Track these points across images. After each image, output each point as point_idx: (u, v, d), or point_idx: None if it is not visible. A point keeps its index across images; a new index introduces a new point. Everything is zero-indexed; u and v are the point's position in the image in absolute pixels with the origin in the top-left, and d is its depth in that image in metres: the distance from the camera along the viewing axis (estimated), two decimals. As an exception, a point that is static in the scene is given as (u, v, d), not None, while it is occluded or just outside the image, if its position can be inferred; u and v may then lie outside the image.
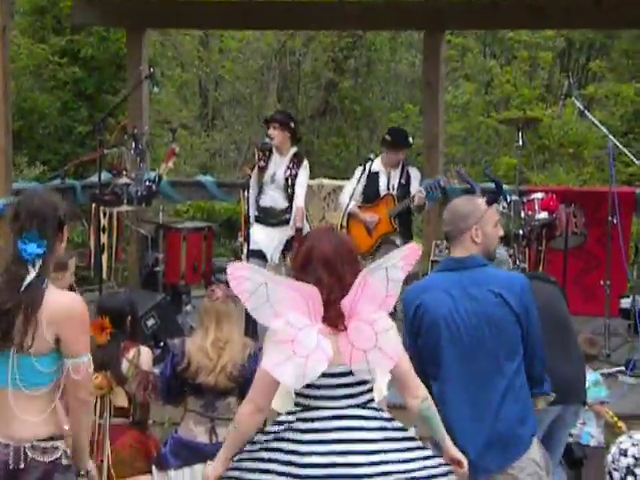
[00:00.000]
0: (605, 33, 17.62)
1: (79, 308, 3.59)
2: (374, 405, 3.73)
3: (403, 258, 3.68)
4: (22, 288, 3.46)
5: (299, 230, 7.80)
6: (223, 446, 3.82)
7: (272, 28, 14.66)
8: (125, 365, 5.11)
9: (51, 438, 3.61)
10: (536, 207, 7.64)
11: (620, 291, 8.26)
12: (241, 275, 3.60)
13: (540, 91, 17.40)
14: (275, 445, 3.66)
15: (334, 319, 3.60)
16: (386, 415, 3.74)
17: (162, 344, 6.91)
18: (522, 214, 7.65)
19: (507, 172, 14.96)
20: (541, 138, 16.00)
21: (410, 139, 8.21)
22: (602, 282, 7.65)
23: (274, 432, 3.71)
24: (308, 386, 3.62)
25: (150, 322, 7.39)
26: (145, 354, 5.21)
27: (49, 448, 3.60)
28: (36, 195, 3.58)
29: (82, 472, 3.79)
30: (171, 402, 5.18)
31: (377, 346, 3.54)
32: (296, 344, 3.51)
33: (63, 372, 3.60)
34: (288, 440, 3.64)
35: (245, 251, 7.57)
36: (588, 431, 6.01)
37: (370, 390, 3.72)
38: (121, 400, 5.07)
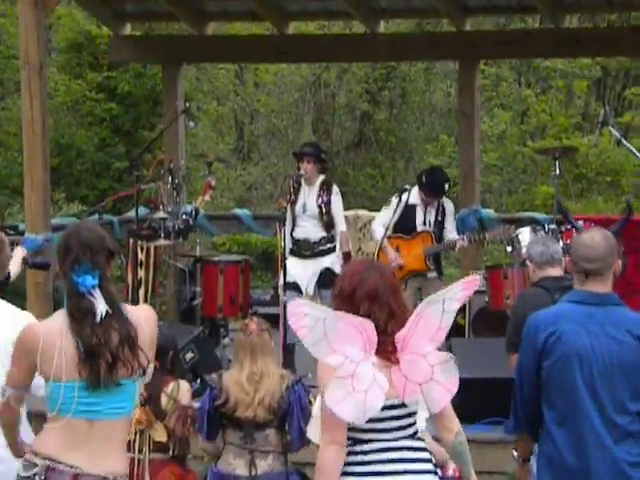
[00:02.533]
0: (641, 60, 17.55)
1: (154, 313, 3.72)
2: (420, 436, 3.73)
3: (463, 289, 3.68)
4: (97, 320, 3.46)
5: (347, 254, 7.87)
6: None
7: (306, 61, 14.75)
8: (164, 400, 5.11)
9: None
10: (574, 236, 7.57)
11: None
12: (301, 311, 3.62)
13: (576, 119, 17.33)
14: None
15: (387, 352, 3.60)
16: (429, 447, 3.74)
17: (200, 378, 6.92)
18: (561, 243, 7.59)
19: (544, 201, 14.88)
20: (578, 167, 15.91)
21: (447, 185, 8.05)
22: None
23: None
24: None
25: (188, 356, 7.39)
26: (184, 388, 5.21)
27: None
28: (83, 227, 3.61)
29: None
30: (210, 436, 5.16)
31: (434, 379, 3.54)
32: (355, 379, 3.52)
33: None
34: (344, 474, 3.62)
35: (281, 283, 7.58)
36: None
37: (416, 422, 3.72)
38: (160, 435, 5.08)
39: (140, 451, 4.97)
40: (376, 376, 3.53)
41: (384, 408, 3.60)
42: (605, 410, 4.00)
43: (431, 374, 3.54)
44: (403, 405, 3.61)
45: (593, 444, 3.98)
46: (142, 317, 3.59)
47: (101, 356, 3.45)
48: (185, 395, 5.19)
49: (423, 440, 3.74)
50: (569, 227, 7.37)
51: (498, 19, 15.32)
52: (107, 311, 3.47)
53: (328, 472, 3.60)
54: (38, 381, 3.63)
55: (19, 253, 6.23)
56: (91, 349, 3.44)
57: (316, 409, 4.06)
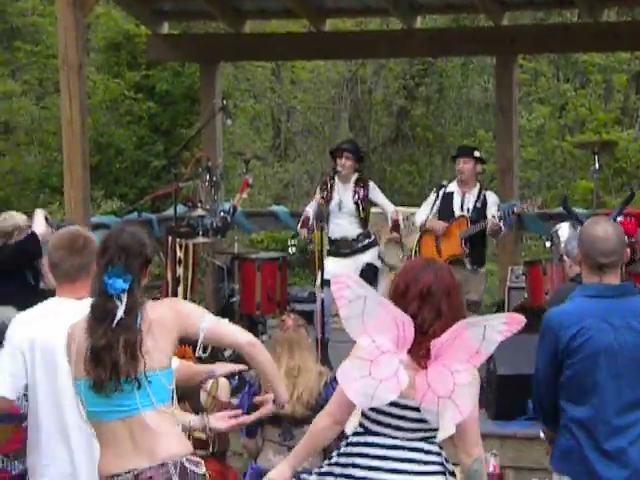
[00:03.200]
0: (681, 53, 17.34)
1: (180, 300, 3.74)
2: (436, 441, 3.69)
3: (506, 324, 3.59)
4: (114, 324, 3.48)
5: (396, 223, 8.01)
6: (292, 452, 3.83)
7: (342, 58, 14.74)
8: (203, 396, 5.14)
9: (192, 452, 3.62)
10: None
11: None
12: (344, 282, 3.61)
13: (616, 114, 17.17)
14: (334, 460, 3.70)
15: (420, 355, 3.57)
16: (443, 452, 3.71)
17: (239, 375, 6.94)
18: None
19: (584, 196, 14.76)
20: (618, 161, 15.77)
21: (476, 152, 8.15)
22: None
23: (338, 449, 3.74)
24: (376, 410, 3.62)
25: (227, 353, 7.43)
26: (223, 385, 5.24)
27: (196, 461, 3.60)
28: (125, 231, 3.61)
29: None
30: (250, 433, 5.19)
31: (452, 398, 3.51)
32: (375, 366, 3.51)
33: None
34: (344, 461, 3.66)
35: (319, 281, 7.60)
36: None
37: (434, 428, 3.66)
38: (199, 432, 5.09)
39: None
40: (399, 372, 3.52)
41: (403, 407, 3.60)
42: (626, 407, 3.98)
43: (451, 392, 3.50)
44: (417, 409, 3.58)
45: (610, 443, 3.97)
46: (163, 311, 3.58)
47: (104, 360, 3.47)
48: (224, 392, 5.22)
49: (441, 447, 3.69)
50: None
51: (536, 14, 15.21)
52: (121, 318, 3.48)
53: (312, 436, 3.71)
54: None
55: (39, 214, 6.29)
56: (97, 351, 3.47)
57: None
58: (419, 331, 3.57)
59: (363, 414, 3.68)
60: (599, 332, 4.00)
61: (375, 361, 3.51)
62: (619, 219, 7.59)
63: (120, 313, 3.48)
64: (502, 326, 3.58)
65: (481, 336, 3.55)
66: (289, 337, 5.05)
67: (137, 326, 3.50)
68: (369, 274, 7.77)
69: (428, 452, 3.67)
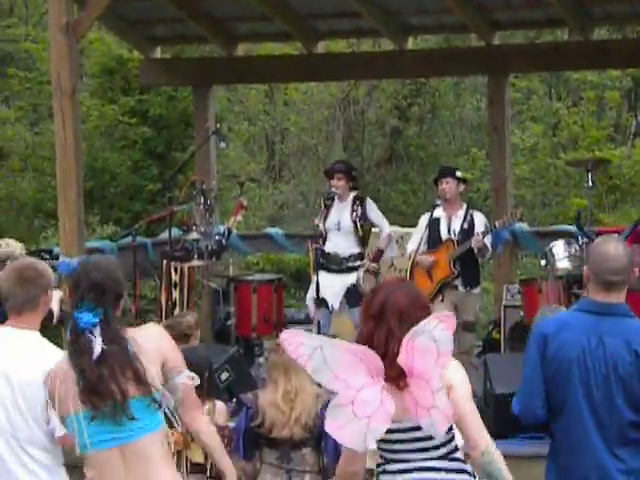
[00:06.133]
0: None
1: (160, 328, 3.82)
2: (458, 456, 3.70)
3: (441, 322, 3.60)
4: (94, 357, 3.52)
5: (379, 252, 8.04)
6: None
7: (335, 79, 14.77)
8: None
9: None
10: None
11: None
12: (296, 341, 3.62)
13: (608, 131, 17.23)
14: None
15: (395, 377, 3.58)
16: (469, 468, 3.71)
17: (236, 398, 6.92)
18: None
19: (581, 211, 14.75)
20: (611, 178, 15.81)
21: (458, 172, 8.13)
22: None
23: None
24: (384, 442, 3.63)
25: (224, 376, 7.41)
26: (220, 409, 5.22)
27: None
28: (98, 268, 3.65)
29: None
30: (247, 456, 5.17)
31: (435, 405, 3.53)
32: (356, 406, 3.51)
33: (174, 394, 3.65)
34: None
35: (310, 297, 7.66)
36: None
37: (450, 441, 3.69)
38: (197, 456, 5.09)
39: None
40: (384, 400, 3.52)
41: (404, 431, 3.61)
42: (602, 422, 4.01)
43: (433, 400, 3.52)
44: (420, 428, 3.59)
45: (589, 456, 4.00)
46: (146, 336, 3.64)
47: (105, 392, 3.50)
48: (221, 415, 5.20)
49: (464, 462, 3.70)
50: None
51: (527, 33, 15.28)
52: (103, 349, 3.52)
53: None
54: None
55: (57, 295, 6.43)
56: (92, 386, 3.51)
57: None
58: (382, 356, 3.58)
59: (380, 448, 3.68)
60: (573, 345, 4.04)
61: (355, 401, 3.52)
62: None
63: (97, 346, 3.52)
64: (439, 325, 3.58)
65: (431, 339, 3.55)
66: (285, 360, 5.04)
67: (130, 353, 3.54)
68: (354, 294, 7.78)
69: (450, 470, 3.67)
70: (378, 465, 3.75)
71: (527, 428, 4.26)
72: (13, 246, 6.65)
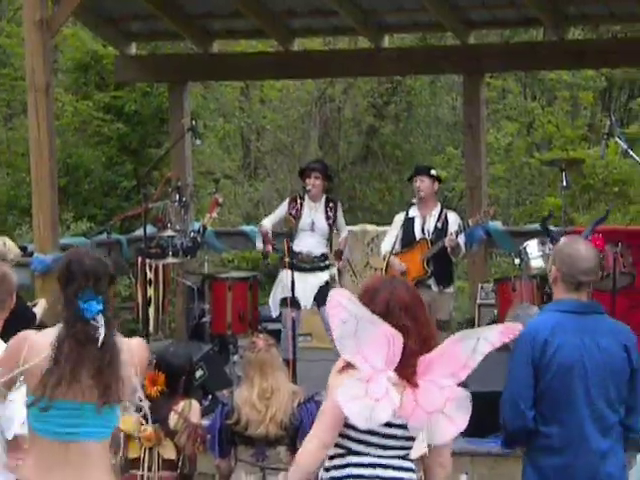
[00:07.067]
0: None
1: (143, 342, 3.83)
2: (412, 457, 3.68)
3: (501, 332, 3.62)
4: (99, 344, 3.52)
5: (339, 252, 8.06)
6: None
7: (311, 77, 14.79)
8: (174, 418, 5.11)
9: None
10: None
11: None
12: (340, 301, 3.60)
13: (582, 131, 17.32)
14: None
15: (407, 372, 3.57)
16: (413, 465, 3.72)
17: (211, 395, 6.91)
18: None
19: (552, 213, 14.82)
20: (585, 178, 15.89)
21: (433, 171, 8.13)
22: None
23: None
24: (363, 430, 3.59)
25: (198, 373, 7.38)
26: (195, 407, 5.21)
27: None
28: (86, 255, 3.66)
29: None
30: (222, 453, 5.16)
31: (444, 412, 3.52)
32: (371, 385, 3.51)
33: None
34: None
35: (277, 299, 7.70)
36: None
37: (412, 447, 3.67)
38: (169, 452, 5.08)
39: (149, 469, 4.97)
40: (389, 391, 3.52)
41: (389, 425, 3.59)
42: (598, 419, 4.04)
43: (442, 406, 3.51)
44: (404, 427, 3.59)
45: (589, 456, 4.03)
46: (131, 348, 3.65)
47: (103, 380, 3.50)
48: (195, 413, 5.19)
49: (412, 461, 3.70)
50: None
51: (502, 32, 15.34)
52: (105, 335, 3.54)
53: (303, 464, 3.62)
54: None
55: (42, 303, 6.52)
56: (97, 373, 3.50)
57: None
58: (409, 348, 3.56)
59: (346, 436, 3.64)
60: (570, 347, 4.04)
61: (371, 380, 3.52)
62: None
63: (102, 332, 3.52)
64: (495, 336, 3.59)
65: (472, 349, 3.56)
66: (260, 358, 5.04)
67: (117, 345, 3.56)
68: (327, 292, 7.78)
69: (408, 469, 3.67)
70: (334, 457, 3.67)
71: (510, 434, 4.21)
72: (10, 249, 6.67)
